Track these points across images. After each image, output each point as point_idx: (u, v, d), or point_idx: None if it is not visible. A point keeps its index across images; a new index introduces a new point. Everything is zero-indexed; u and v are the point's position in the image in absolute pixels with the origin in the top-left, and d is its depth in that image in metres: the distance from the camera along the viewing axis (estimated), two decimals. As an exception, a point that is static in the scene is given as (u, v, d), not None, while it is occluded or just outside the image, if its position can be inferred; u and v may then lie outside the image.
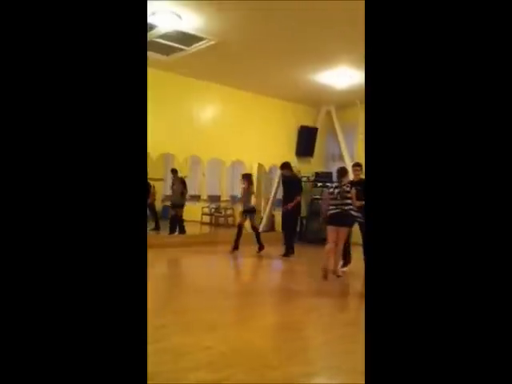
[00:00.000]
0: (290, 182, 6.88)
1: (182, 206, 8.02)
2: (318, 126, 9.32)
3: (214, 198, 11.48)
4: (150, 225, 8.75)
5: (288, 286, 4.98)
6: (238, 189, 7.75)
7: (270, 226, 9.60)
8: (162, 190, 12.77)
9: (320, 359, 2.70)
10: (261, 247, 6.79)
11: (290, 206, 6.63)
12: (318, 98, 8.49)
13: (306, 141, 9.05)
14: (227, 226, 11.17)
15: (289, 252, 6.68)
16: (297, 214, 6.97)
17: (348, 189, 5.10)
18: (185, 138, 7.47)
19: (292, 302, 4.10)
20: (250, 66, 6.85)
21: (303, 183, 9.08)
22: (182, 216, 8.05)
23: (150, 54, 6.36)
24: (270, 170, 9.42)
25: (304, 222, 9.00)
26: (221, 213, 11.40)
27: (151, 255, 6.60)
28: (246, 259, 6.65)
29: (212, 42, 5.79)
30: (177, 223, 8.05)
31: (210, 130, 7.82)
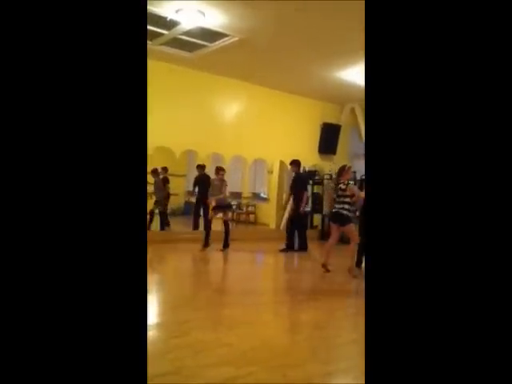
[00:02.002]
0: (298, 178, 6.94)
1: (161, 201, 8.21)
2: (342, 123, 9.20)
3: (236, 195, 11.50)
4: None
5: (310, 285, 4.94)
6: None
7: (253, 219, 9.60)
8: (184, 186, 12.89)
9: (342, 359, 2.66)
10: (225, 245, 6.53)
11: (303, 205, 6.80)
12: (342, 96, 8.39)
13: (329, 138, 8.96)
14: (248, 222, 11.18)
15: (288, 247, 6.73)
16: (299, 211, 6.90)
17: (344, 187, 5.06)
18: (207, 135, 7.51)
19: (314, 300, 4.06)
20: (274, 62, 6.81)
21: (326, 181, 9.02)
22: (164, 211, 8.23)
23: (174, 51, 6.41)
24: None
25: (326, 220, 8.92)
26: (242, 210, 11.42)
27: (168, 251, 6.62)
28: (264, 256, 6.64)
29: (235, 39, 5.79)
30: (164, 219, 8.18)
31: (232, 127, 7.83)
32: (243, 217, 11.43)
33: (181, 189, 12.73)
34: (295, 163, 6.94)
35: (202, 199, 8.04)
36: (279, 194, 9.27)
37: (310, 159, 9.12)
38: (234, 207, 11.65)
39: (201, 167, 8.32)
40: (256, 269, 6.12)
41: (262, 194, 11.71)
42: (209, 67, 7.09)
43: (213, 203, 6.65)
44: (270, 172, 9.77)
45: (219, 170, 6.57)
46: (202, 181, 8.21)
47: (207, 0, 4.73)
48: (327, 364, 2.51)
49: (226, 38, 5.82)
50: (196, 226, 8.15)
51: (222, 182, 6.54)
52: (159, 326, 3.09)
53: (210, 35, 5.75)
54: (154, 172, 8.31)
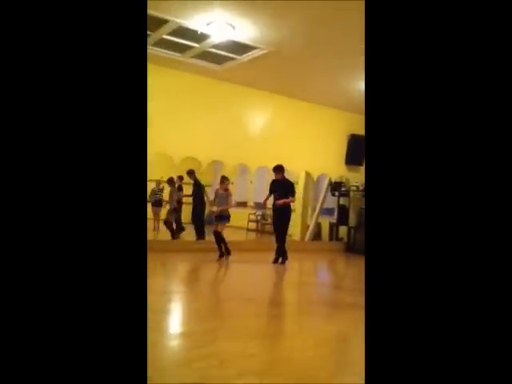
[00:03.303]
0: (281, 184, 6.45)
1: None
2: (369, 134, 9.12)
3: (261, 205, 11.51)
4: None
5: (336, 297, 4.88)
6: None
7: (317, 235, 9.49)
8: (210, 196, 12.98)
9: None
10: (221, 254, 6.48)
11: (281, 202, 6.30)
12: (370, 107, 8.32)
13: (356, 149, 8.89)
14: (272, 233, 11.15)
15: (280, 258, 6.42)
16: (287, 217, 6.58)
17: None
18: (234, 145, 7.58)
19: (340, 312, 4.01)
20: (301, 74, 6.85)
21: (352, 192, 8.93)
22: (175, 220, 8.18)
23: (204, 64, 6.53)
24: (318, 178, 9.33)
25: (352, 232, 8.82)
26: (266, 220, 11.42)
27: (194, 259, 6.63)
28: (286, 267, 6.59)
29: (264, 51, 5.86)
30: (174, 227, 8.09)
31: (259, 138, 7.88)
32: (268, 227, 11.42)
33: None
34: (278, 169, 6.43)
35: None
36: (304, 205, 9.23)
37: (337, 170, 9.07)
38: (258, 217, 11.69)
39: (191, 173, 7.91)
40: (279, 279, 6.09)
41: (286, 205, 11.67)
42: (237, 79, 7.19)
43: (214, 212, 6.59)
44: (296, 183, 9.76)
45: (224, 180, 6.50)
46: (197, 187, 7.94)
47: (238, 12, 4.82)
48: (353, 378, 2.47)
49: (255, 51, 5.90)
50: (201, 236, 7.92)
51: (228, 192, 6.46)
52: (184, 335, 3.12)
53: (239, 48, 5.84)
54: (170, 181, 8.30)
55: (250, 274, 6.07)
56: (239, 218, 11.41)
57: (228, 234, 8.43)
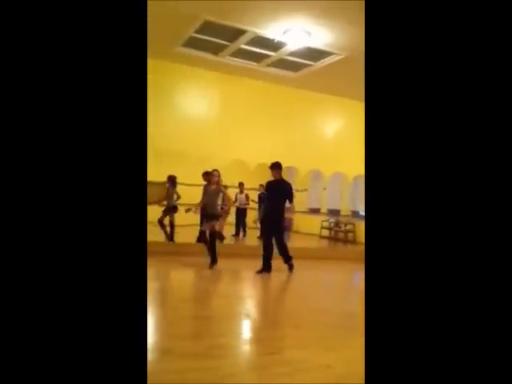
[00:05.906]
0: (278, 186, 5.60)
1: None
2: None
3: (334, 212, 11.33)
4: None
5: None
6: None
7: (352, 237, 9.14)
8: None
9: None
10: (213, 260, 5.56)
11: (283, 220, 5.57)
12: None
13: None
14: (346, 241, 10.91)
15: (265, 268, 5.52)
16: (280, 224, 5.72)
17: None
18: (308, 151, 7.56)
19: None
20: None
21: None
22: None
23: (279, 72, 6.61)
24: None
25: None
26: (340, 227, 11.19)
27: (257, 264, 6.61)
28: (361, 276, 6.38)
29: (340, 57, 5.79)
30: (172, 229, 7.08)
31: (333, 144, 7.79)
32: (341, 235, 11.19)
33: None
34: (276, 166, 5.57)
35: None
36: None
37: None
38: (331, 224, 11.51)
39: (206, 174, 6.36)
40: (350, 288, 5.93)
41: (361, 212, 11.37)
42: (312, 86, 7.18)
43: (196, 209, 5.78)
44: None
45: (205, 175, 5.75)
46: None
47: (314, 19, 4.82)
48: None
49: (331, 57, 5.85)
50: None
51: (219, 187, 5.55)
52: (256, 340, 3.15)
53: (315, 54, 5.83)
54: (170, 179, 7.07)
55: (319, 281, 5.99)
56: (312, 224, 11.32)
57: (300, 241, 8.40)
